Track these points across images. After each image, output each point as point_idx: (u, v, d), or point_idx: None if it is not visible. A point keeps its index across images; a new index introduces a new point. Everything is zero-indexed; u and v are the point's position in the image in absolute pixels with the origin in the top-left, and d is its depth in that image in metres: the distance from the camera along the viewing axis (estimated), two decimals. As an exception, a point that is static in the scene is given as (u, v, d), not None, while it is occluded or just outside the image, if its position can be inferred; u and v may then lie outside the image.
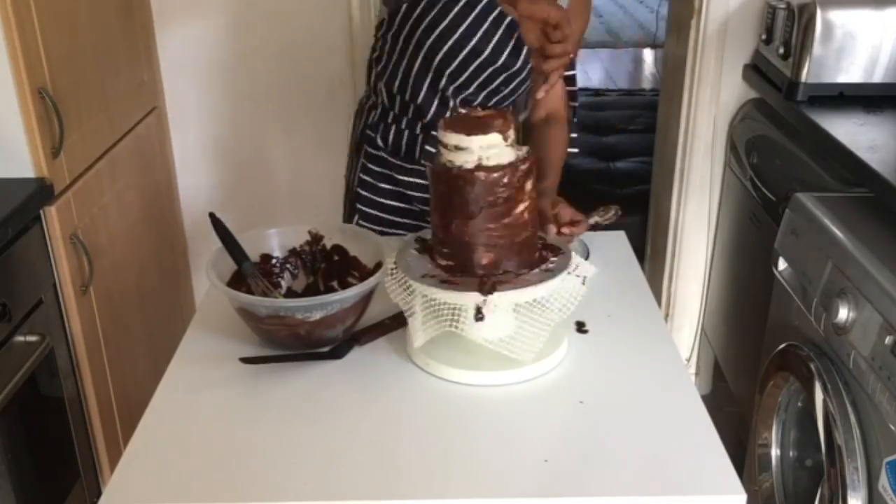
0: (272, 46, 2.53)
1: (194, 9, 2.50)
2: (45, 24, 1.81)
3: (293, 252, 1.43)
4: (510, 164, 1.17)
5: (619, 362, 1.27)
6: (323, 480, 1.05)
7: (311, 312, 1.22)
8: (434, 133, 1.62)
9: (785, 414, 1.81)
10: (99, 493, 2.03)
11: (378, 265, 1.32)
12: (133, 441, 1.12)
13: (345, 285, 1.38)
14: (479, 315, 1.18)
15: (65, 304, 1.90)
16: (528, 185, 1.19)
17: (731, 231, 2.43)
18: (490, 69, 1.58)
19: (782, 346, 1.74)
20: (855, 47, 2.04)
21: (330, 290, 1.39)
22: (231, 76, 2.58)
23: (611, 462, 1.07)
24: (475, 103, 1.62)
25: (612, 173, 3.43)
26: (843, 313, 1.48)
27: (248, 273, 1.33)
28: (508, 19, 1.54)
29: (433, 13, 1.54)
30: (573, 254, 1.27)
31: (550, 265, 1.24)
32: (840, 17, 2.02)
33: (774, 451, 1.85)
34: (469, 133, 1.15)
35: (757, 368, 1.93)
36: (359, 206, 1.73)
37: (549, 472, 1.06)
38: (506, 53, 1.57)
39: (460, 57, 1.56)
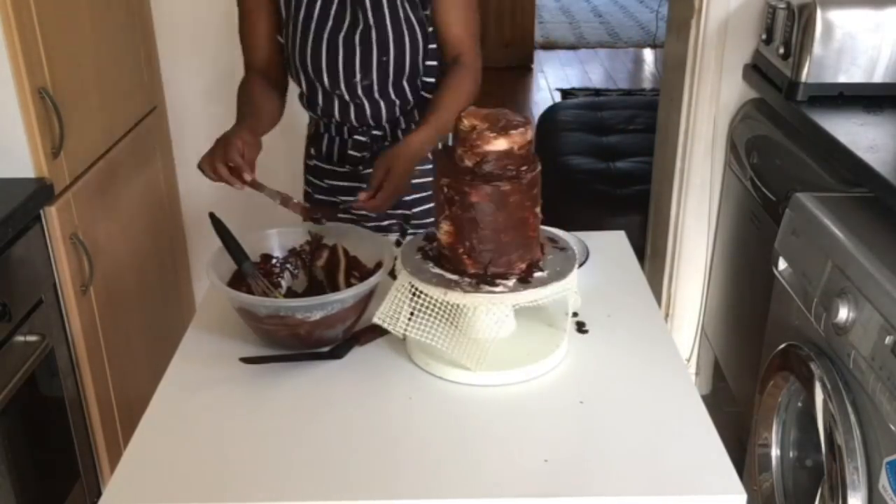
0: (272, 46, 2.53)
1: (194, 9, 2.50)
2: (45, 24, 1.81)
3: (293, 252, 1.43)
4: (533, 157, 1.18)
5: (619, 362, 1.27)
6: (323, 480, 1.05)
7: (311, 312, 1.22)
8: (356, 137, 1.67)
9: (785, 414, 1.81)
10: (99, 493, 2.03)
11: (378, 265, 1.32)
12: (133, 441, 1.12)
13: (345, 285, 1.38)
14: None
15: (65, 304, 1.90)
16: None
17: (731, 231, 2.43)
18: (355, 49, 1.59)
19: (782, 346, 1.74)
20: (855, 47, 2.04)
21: (334, 283, 1.39)
22: (231, 76, 2.56)
23: (611, 462, 1.07)
24: (373, 84, 1.61)
25: (612, 173, 3.43)
26: (843, 313, 1.48)
27: (248, 273, 1.33)
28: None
29: (291, 21, 1.60)
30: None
31: (559, 249, 1.25)
32: (840, 17, 2.02)
33: (774, 451, 1.85)
34: (507, 135, 1.16)
35: (757, 368, 1.93)
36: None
37: (549, 472, 1.06)
38: (359, 29, 1.57)
39: (323, 52, 1.59)
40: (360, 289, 1.24)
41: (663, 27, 3.17)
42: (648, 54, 7.04)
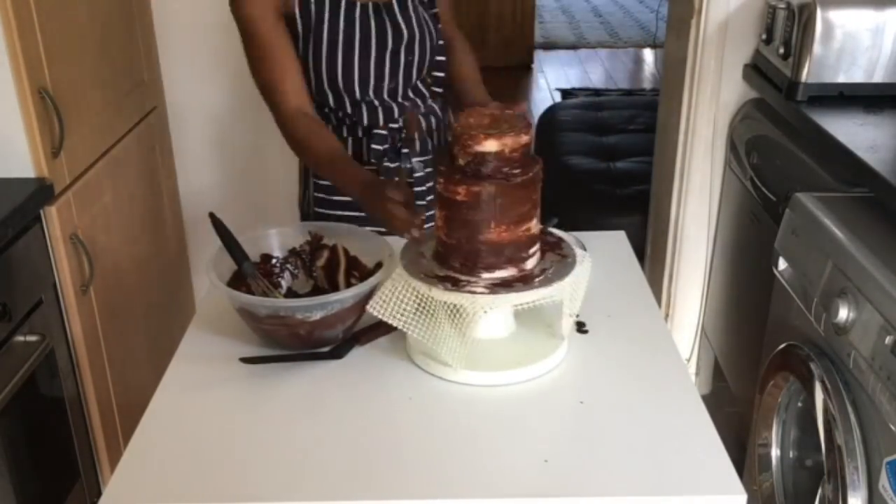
0: (272, 46, 2.53)
1: (194, 8, 2.50)
2: (45, 24, 1.81)
3: (293, 252, 1.43)
4: (529, 159, 1.18)
5: (619, 362, 1.27)
6: (323, 480, 1.05)
7: (311, 312, 1.22)
8: (377, 131, 1.64)
9: (785, 414, 1.81)
10: (99, 493, 2.03)
11: (378, 265, 1.32)
12: (133, 441, 1.12)
13: (345, 285, 1.38)
14: None
15: (65, 304, 1.90)
16: None
17: (731, 231, 2.43)
18: (387, 53, 1.60)
19: (782, 346, 1.74)
20: (855, 47, 2.04)
21: (334, 283, 1.39)
22: (231, 75, 2.58)
23: (611, 462, 1.07)
24: (398, 86, 1.63)
25: (612, 173, 3.43)
26: (843, 313, 1.48)
27: (249, 273, 1.33)
28: (371, 4, 1.57)
29: (312, 37, 1.56)
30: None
31: (559, 252, 1.26)
32: (840, 17, 2.02)
33: (774, 451, 1.85)
34: (499, 137, 1.16)
35: (757, 368, 1.93)
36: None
37: (549, 472, 1.06)
38: (390, 34, 1.59)
39: (356, 63, 1.57)
40: (359, 289, 1.24)
41: (663, 27, 3.16)
42: (648, 54, 7.04)
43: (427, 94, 1.71)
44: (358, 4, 1.57)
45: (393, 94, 1.64)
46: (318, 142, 1.53)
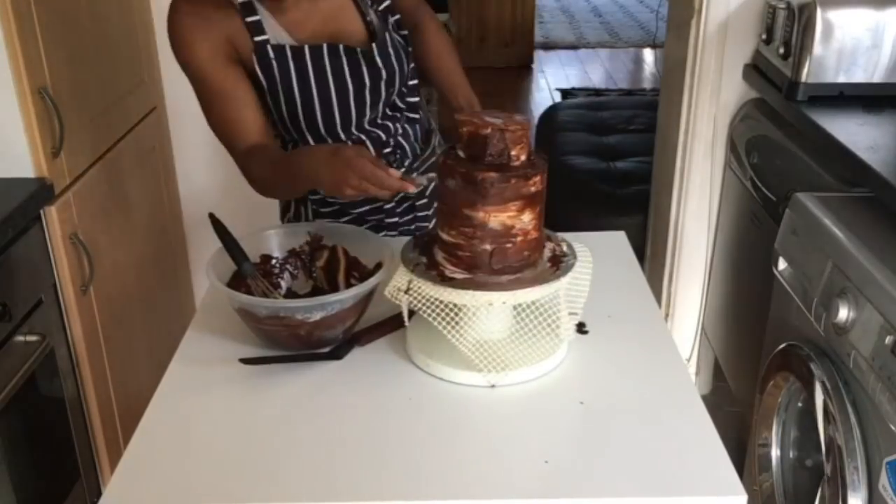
0: (272, 46, 2.53)
1: (194, 9, 2.50)
2: (45, 24, 1.81)
3: (293, 252, 1.43)
4: (533, 158, 1.19)
5: (619, 362, 1.27)
6: (323, 480, 1.05)
7: (310, 313, 1.22)
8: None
9: (785, 414, 1.81)
10: (99, 493, 2.03)
11: (378, 265, 1.32)
12: (133, 441, 1.12)
13: (345, 285, 1.38)
14: None
15: (65, 304, 1.90)
16: None
17: (731, 231, 2.43)
18: (366, 91, 1.52)
19: (782, 346, 1.74)
20: (855, 47, 2.04)
21: (334, 283, 1.39)
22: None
23: (611, 462, 1.07)
24: (378, 115, 1.57)
25: (612, 173, 3.43)
26: (843, 313, 1.48)
27: (248, 273, 1.33)
28: (342, 47, 1.49)
29: (281, 89, 1.47)
30: None
31: (560, 251, 1.27)
32: (840, 17, 2.02)
33: (774, 451, 1.85)
34: (502, 135, 1.17)
35: (757, 368, 1.93)
36: None
37: (549, 473, 1.06)
38: (367, 73, 1.51)
39: (335, 110, 1.51)
40: (359, 289, 1.24)
41: (663, 27, 3.16)
42: (648, 54, 7.04)
43: (404, 106, 1.63)
44: (324, 47, 1.46)
45: (373, 122, 1.58)
46: (274, 162, 1.44)
